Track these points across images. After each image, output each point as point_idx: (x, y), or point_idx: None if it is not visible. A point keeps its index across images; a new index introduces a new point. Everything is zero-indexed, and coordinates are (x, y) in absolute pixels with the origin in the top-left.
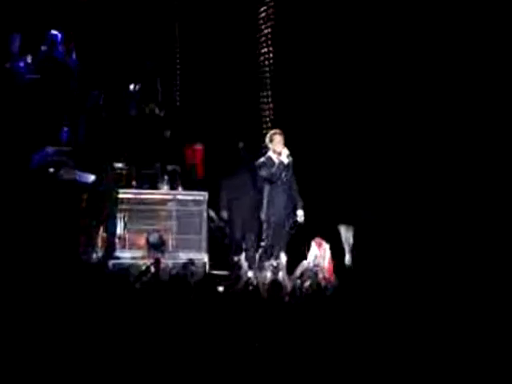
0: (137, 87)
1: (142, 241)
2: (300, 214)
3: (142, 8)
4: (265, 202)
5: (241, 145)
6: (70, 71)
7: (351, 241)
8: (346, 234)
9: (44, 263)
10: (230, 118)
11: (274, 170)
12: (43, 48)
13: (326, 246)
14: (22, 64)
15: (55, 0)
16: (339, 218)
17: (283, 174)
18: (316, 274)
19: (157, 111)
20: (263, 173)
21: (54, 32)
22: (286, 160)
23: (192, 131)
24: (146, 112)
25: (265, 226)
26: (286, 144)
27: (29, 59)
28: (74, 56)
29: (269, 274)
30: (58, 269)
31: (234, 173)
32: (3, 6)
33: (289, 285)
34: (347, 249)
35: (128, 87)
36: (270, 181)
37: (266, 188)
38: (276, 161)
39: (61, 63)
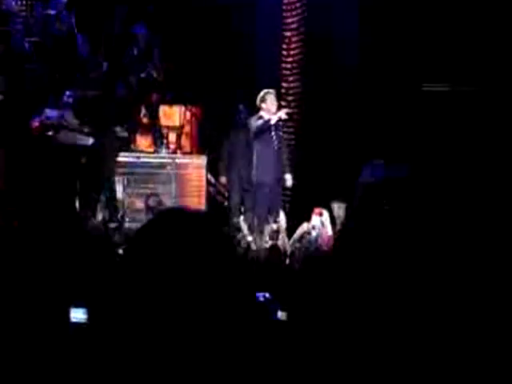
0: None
1: (142, 204)
2: (288, 178)
3: None
4: (254, 162)
5: (240, 107)
6: (74, 37)
7: (343, 217)
8: (338, 211)
9: (43, 226)
10: (230, 79)
11: (260, 123)
12: (52, 12)
13: (326, 214)
14: (19, 26)
15: None
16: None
17: (272, 133)
18: (316, 237)
19: (155, 74)
20: (251, 126)
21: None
22: (275, 119)
23: (191, 93)
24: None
25: (255, 187)
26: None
27: (31, 21)
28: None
29: (267, 238)
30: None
31: (234, 136)
32: None
33: (288, 248)
34: (339, 226)
35: (128, 53)
36: (258, 136)
37: (256, 148)
38: (265, 117)
39: (67, 29)
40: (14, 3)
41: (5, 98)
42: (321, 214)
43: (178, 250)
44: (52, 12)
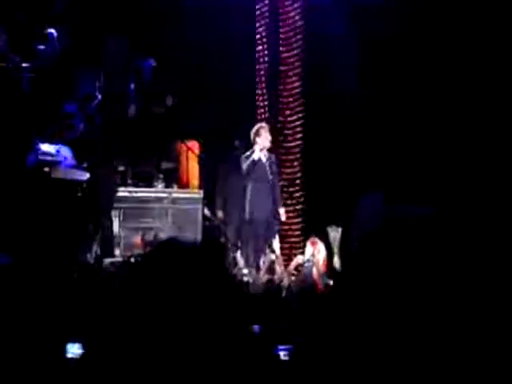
0: (132, 86)
1: (138, 239)
2: (281, 212)
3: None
4: (248, 197)
5: (237, 143)
6: (67, 70)
7: (338, 242)
8: (334, 235)
9: (39, 262)
10: (227, 114)
11: (248, 164)
12: (42, 47)
13: (321, 245)
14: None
15: None
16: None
17: (266, 168)
18: (310, 269)
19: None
20: (243, 167)
21: (51, 30)
22: (267, 157)
23: (188, 128)
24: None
25: (249, 222)
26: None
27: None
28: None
29: (264, 272)
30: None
31: (230, 171)
32: None
33: (285, 281)
34: (335, 250)
35: (127, 85)
36: (250, 174)
37: (250, 183)
38: (256, 157)
39: (58, 63)
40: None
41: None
42: (314, 244)
43: (174, 281)
44: (42, 47)
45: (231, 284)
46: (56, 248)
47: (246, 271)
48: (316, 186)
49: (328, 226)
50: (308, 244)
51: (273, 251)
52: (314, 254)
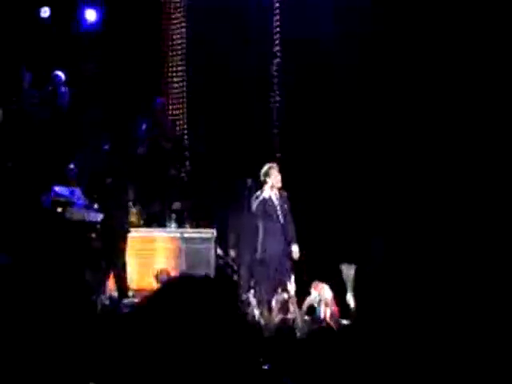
0: (144, 126)
1: (151, 279)
2: (295, 251)
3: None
4: (260, 236)
5: (249, 182)
6: (71, 111)
7: (352, 279)
8: (348, 272)
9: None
10: (240, 153)
11: (257, 204)
12: (50, 88)
13: (325, 286)
14: (32, 101)
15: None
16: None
17: (277, 207)
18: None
19: (166, 146)
20: (254, 206)
21: (58, 73)
22: (278, 196)
23: (202, 167)
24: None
25: (259, 263)
26: (286, 179)
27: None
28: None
29: (277, 311)
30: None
31: (242, 210)
32: (10, 44)
33: (299, 321)
34: (349, 287)
35: (136, 125)
36: (262, 213)
37: (262, 222)
38: (267, 196)
39: (62, 104)
40: (28, 81)
41: (15, 176)
42: (317, 287)
43: (186, 318)
44: (49, 88)
45: (243, 322)
46: (69, 288)
47: (257, 311)
48: (327, 223)
49: (342, 263)
50: (312, 289)
51: (285, 290)
52: (321, 295)
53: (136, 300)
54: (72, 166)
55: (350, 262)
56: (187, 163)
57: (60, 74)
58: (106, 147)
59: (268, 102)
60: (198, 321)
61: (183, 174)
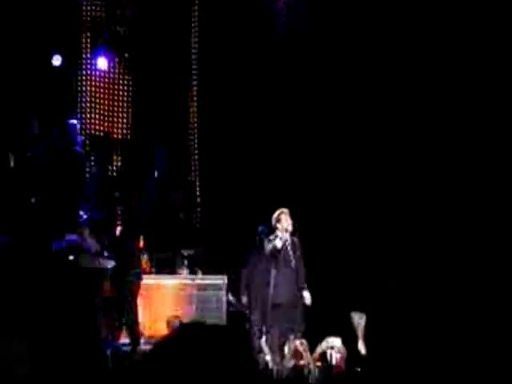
0: (156, 173)
1: (163, 327)
2: (307, 297)
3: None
4: (271, 282)
5: (260, 228)
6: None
7: (363, 328)
8: (358, 321)
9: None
10: (251, 200)
11: (270, 249)
12: (67, 137)
13: (334, 339)
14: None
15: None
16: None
17: (289, 252)
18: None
19: (174, 196)
20: (265, 249)
21: (73, 122)
22: (290, 241)
23: (213, 213)
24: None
25: (272, 307)
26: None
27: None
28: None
29: (289, 357)
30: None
31: (253, 256)
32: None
33: (312, 367)
34: (360, 335)
35: (149, 172)
36: (274, 257)
37: (273, 268)
38: (278, 242)
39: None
40: (36, 126)
41: (25, 224)
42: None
43: (197, 363)
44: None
45: (254, 370)
46: (81, 337)
47: (269, 358)
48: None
49: (352, 311)
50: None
51: (297, 337)
52: (334, 350)
53: (148, 347)
54: (84, 213)
55: (360, 310)
56: (198, 209)
57: (75, 122)
58: (117, 194)
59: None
60: (209, 368)
61: (194, 221)
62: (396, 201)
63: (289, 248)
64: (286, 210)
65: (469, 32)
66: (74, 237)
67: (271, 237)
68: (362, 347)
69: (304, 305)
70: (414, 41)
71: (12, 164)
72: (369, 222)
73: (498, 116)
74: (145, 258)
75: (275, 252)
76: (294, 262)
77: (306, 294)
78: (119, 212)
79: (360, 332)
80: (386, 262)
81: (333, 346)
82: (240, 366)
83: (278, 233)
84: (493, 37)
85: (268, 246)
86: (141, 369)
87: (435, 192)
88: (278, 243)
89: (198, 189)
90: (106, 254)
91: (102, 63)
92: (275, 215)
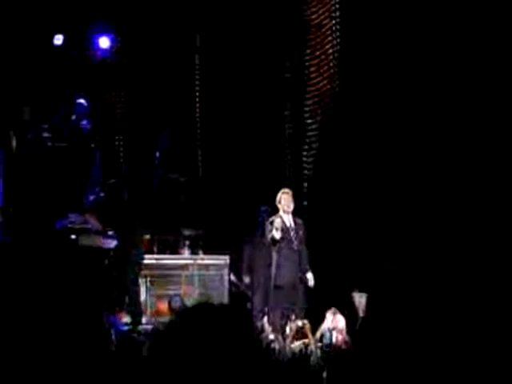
0: (157, 154)
1: (165, 306)
2: (309, 277)
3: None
4: (273, 263)
5: (262, 208)
6: (94, 141)
7: (364, 307)
8: (359, 300)
9: (67, 331)
10: (254, 181)
11: (271, 236)
12: (73, 118)
13: (340, 316)
14: (44, 134)
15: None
16: (357, 281)
17: (292, 234)
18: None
19: (181, 179)
20: (267, 233)
21: (81, 101)
22: (292, 222)
23: (213, 194)
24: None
25: (273, 290)
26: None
27: (45, 127)
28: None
29: (291, 338)
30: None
31: (255, 237)
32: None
33: (313, 347)
34: (361, 315)
35: (152, 156)
36: (275, 244)
37: (274, 251)
38: (280, 224)
39: (86, 133)
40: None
41: (28, 204)
42: (334, 315)
43: (202, 343)
44: (73, 117)
45: (258, 349)
46: (83, 317)
47: (271, 337)
48: (339, 250)
49: (354, 291)
50: (328, 314)
51: (299, 317)
52: (334, 323)
53: (150, 327)
54: (88, 193)
55: (362, 290)
56: (199, 190)
57: (83, 102)
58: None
59: (283, 130)
60: (213, 348)
61: (195, 201)
62: (398, 181)
63: (291, 229)
64: (287, 191)
65: (469, 32)
66: (76, 216)
67: (272, 218)
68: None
69: (306, 286)
70: (415, 41)
71: (14, 145)
72: (371, 201)
73: (499, 115)
74: (147, 237)
75: (274, 242)
76: (296, 243)
77: (309, 276)
78: (122, 192)
79: (361, 312)
80: (388, 242)
81: (335, 327)
82: (243, 344)
83: (281, 213)
84: (493, 37)
85: (270, 228)
86: (145, 350)
87: (439, 173)
88: (277, 235)
89: (200, 169)
90: (109, 233)
91: (104, 42)
92: (278, 196)
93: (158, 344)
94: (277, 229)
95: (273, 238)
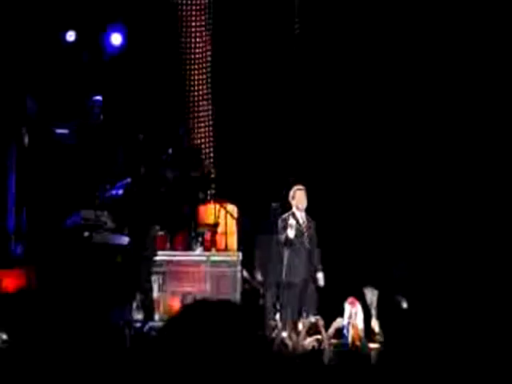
0: (170, 151)
1: (177, 303)
2: (320, 277)
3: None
4: (284, 262)
5: (274, 205)
6: (109, 137)
7: (375, 304)
8: (371, 297)
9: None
10: (265, 177)
11: (290, 234)
12: (99, 115)
13: (359, 306)
14: (62, 130)
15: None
16: (369, 278)
17: (304, 233)
18: (348, 333)
19: (194, 174)
20: (282, 235)
21: (98, 98)
22: (305, 220)
23: (227, 191)
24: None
25: (285, 287)
26: (311, 201)
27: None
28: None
29: (303, 335)
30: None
31: (268, 233)
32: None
33: (326, 345)
34: (373, 312)
35: (165, 151)
36: (286, 244)
37: (286, 250)
38: (294, 223)
39: (102, 129)
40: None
41: (42, 200)
42: (353, 304)
43: (206, 341)
44: (95, 112)
45: (268, 347)
46: (94, 313)
47: (285, 334)
48: (351, 247)
49: (364, 287)
50: (346, 304)
51: (312, 314)
52: (352, 315)
53: (162, 324)
54: (101, 189)
55: (373, 286)
56: (213, 187)
57: (99, 98)
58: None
59: (297, 125)
60: (218, 347)
61: (209, 198)
62: (410, 178)
63: (304, 226)
64: (302, 187)
65: (469, 32)
66: (89, 213)
67: (285, 215)
68: (375, 325)
69: (317, 285)
70: (414, 40)
71: (26, 141)
72: (382, 198)
73: (499, 114)
74: (160, 234)
75: (288, 241)
76: (308, 240)
77: (320, 275)
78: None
79: (373, 309)
80: (399, 240)
81: (350, 322)
82: (252, 342)
83: (294, 210)
84: (493, 37)
85: (282, 225)
86: (154, 345)
87: (448, 171)
88: (291, 233)
89: (213, 166)
90: (121, 230)
91: (116, 39)
92: (291, 192)
93: (162, 342)
94: (291, 227)
95: (286, 238)
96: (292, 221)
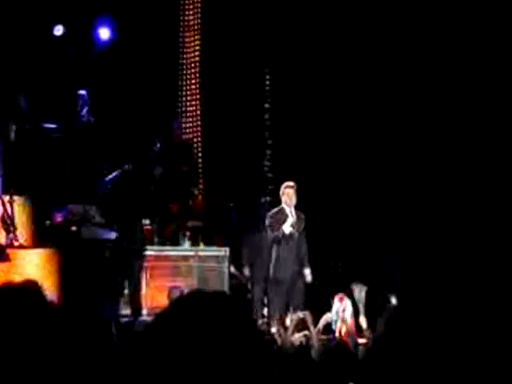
0: (158, 145)
1: (164, 298)
2: (307, 273)
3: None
4: (272, 257)
5: (263, 200)
6: (95, 132)
7: (364, 300)
8: (359, 293)
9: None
10: (255, 173)
11: (272, 237)
12: (83, 110)
13: (348, 302)
14: (47, 125)
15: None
16: (359, 273)
17: (294, 232)
18: (337, 328)
19: (184, 168)
20: (270, 235)
21: (83, 92)
22: (294, 216)
23: (215, 186)
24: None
25: (273, 282)
26: (301, 196)
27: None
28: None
29: (291, 331)
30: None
31: (256, 229)
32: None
33: (315, 340)
34: (361, 308)
35: (153, 148)
36: (274, 234)
37: (274, 245)
38: (291, 218)
39: (90, 124)
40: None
41: (30, 193)
42: (341, 300)
43: (198, 333)
44: (82, 109)
45: (259, 339)
46: (82, 308)
47: (273, 330)
48: (339, 243)
49: (353, 283)
50: (336, 300)
51: (299, 309)
52: (340, 311)
53: (150, 319)
54: (89, 183)
55: (362, 282)
56: (201, 182)
57: (84, 93)
58: (126, 167)
59: (286, 122)
60: (210, 338)
61: (196, 193)
62: (400, 171)
63: (291, 226)
64: (292, 184)
65: (469, 32)
66: (77, 207)
67: (274, 210)
68: (363, 321)
69: (304, 281)
70: (414, 40)
71: (13, 137)
72: (372, 193)
73: (499, 114)
74: (148, 228)
75: (283, 237)
76: (296, 235)
77: (307, 272)
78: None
79: (361, 305)
80: (389, 234)
81: (338, 317)
82: (244, 334)
83: (283, 206)
84: (493, 37)
85: (270, 220)
86: (143, 339)
87: (439, 165)
88: (287, 229)
89: (200, 160)
90: (109, 225)
91: (105, 34)
92: (281, 188)
93: (151, 336)
94: (288, 223)
95: (283, 233)
96: (290, 217)
